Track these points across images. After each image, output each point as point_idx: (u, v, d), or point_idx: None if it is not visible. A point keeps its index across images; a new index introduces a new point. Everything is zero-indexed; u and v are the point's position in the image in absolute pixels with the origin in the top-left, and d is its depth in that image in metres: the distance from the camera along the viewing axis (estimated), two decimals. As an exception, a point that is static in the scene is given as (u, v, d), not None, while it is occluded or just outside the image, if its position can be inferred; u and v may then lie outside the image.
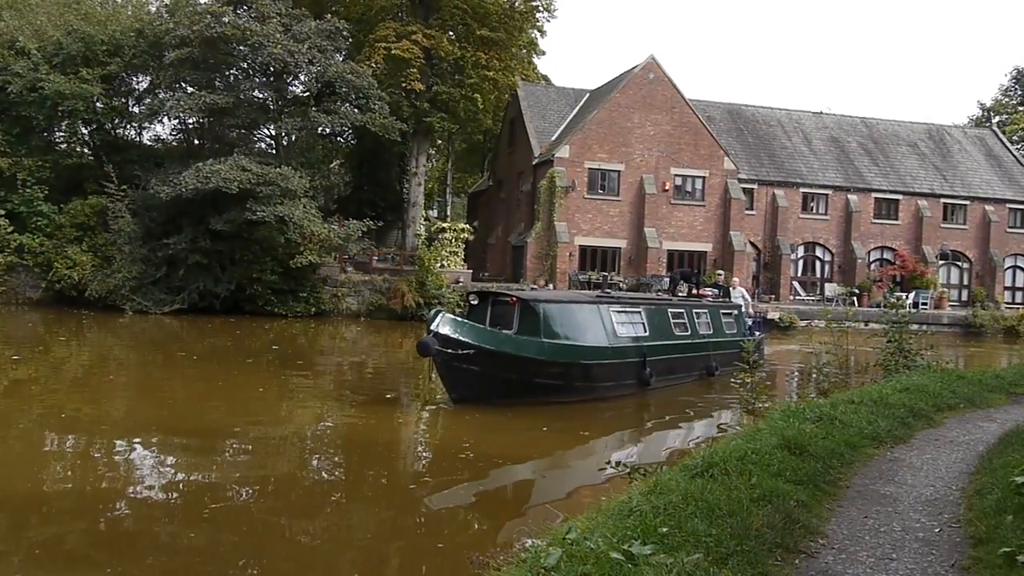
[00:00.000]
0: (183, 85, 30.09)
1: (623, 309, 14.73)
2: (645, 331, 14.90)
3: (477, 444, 10.55)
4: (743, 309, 19.47)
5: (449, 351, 11.57)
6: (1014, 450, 7.37)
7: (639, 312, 15.08)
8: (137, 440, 10.13)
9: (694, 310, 16.97)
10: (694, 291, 18.80)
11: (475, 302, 13.92)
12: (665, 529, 4.58)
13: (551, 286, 31.45)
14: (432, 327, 11.53)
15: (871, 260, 40.71)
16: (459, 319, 12.03)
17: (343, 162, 40.05)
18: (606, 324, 13.97)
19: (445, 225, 35.37)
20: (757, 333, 19.14)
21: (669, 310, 16.09)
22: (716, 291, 20.24)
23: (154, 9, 34.12)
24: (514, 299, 13.24)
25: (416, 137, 36.27)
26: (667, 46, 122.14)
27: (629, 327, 14.61)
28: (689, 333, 16.40)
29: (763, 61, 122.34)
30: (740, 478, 5.77)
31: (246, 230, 27.06)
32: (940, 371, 12.87)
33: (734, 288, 20.56)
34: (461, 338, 11.64)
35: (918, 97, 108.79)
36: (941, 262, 41.34)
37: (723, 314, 18.07)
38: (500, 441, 10.98)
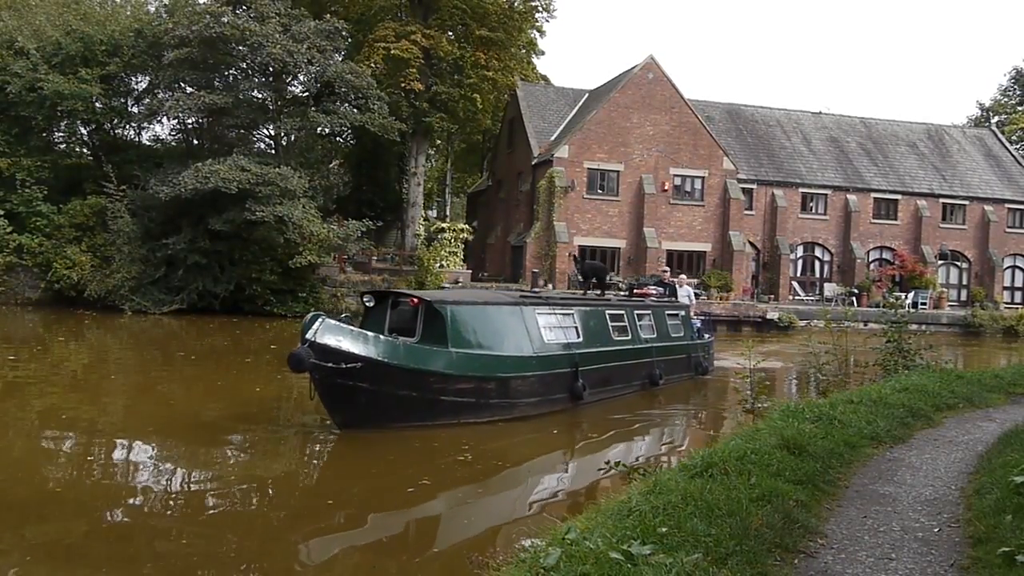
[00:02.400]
0: (182, 85, 30.09)
1: (552, 311, 12.82)
2: (578, 336, 13.03)
3: (339, 484, 8.57)
4: (690, 309, 17.76)
5: (330, 365, 9.51)
6: (1013, 450, 7.38)
7: (571, 314, 13.20)
8: (136, 440, 10.13)
9: (635, 311, 15.11)
10: (601, 289, 16.35)
11: (371, 304, 11.84)
12: (664, 529, 4.58)
13: (550, 287, 31.46)
14: (308, 336, 9.47)
15: (870, 260, 40.74)
16: (344, 325, 9.99)
17: (342, 162, 40.04)
18: (530, 329, 12.01)
19: (444, 225, 35.39)
20: (706, 336, 17.91)
21: (607, 312, 14.25)
22: (660, 290, 18.11)
23: (153, 9, 34.12)
24: (416, 300, 11.28)
25: (415, 137, 36.29)
26: (666, 46, 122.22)
27: (559, 332, 12.68)
28: (630, 338, 14.51)
29: (762, 61, 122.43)
30: (739, 478, 5.77)
31: (245, 230, 27.05)
32: (939, 371, 12.88)
33: (681, 286, 18.59)
34: (346, 349, 9.63)
35: (917, 97, 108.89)
36: (940, 262, 41.38)
37: (668, 315, 16.31)
38: (356, 474, 8.92)
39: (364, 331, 10.20)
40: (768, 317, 32.44)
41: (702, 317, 18.40)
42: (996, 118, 57.77)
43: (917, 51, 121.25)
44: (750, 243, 38.01)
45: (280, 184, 26.49)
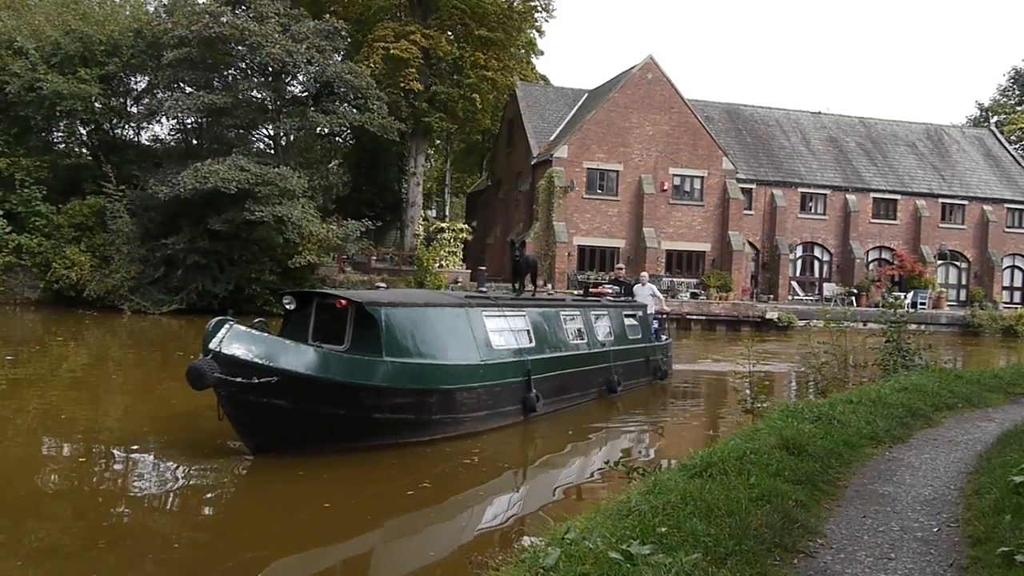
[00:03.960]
0: (181, 85, 30.10)
1: (501, 313, 11.58)
2: (530, 341, 11.84)
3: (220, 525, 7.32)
4: (651, 309, 16.55)
5: (239, 380, 8.17)
6: (1012, 450, 7.38)
7: (522, 317, 11.99)
8: (135, 441, 10.12)
9: (591, 313, 14.03)
10: (528, 286, 14.53)
11: (291, 307, 10.32)
12: (664, 529, 4.58)
13: (549, 287, 31.45)
14: (212, 345, 8.17)
15: (869, 260, 40.76)
16: (257, 332, 8.62)
17: (341, 162, 40.04)
18: (477, 334, 10.79)
19: (444, 225, 35.39)
20: (663, 337, 16.90)
21: (561, 313, 13.11)
22: (616, 289, 16.85)
23: (152, 9, 34.12)
24: (344, 302, 9.80)
25: (414, 137, 36.30)
26: (666, 46, 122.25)
27: (509, 336, 11.48)
28: (586, 341, 13.41)
29: (762, 61, 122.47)
30: (739, 478, 5.77)
31: (244, 230, 27.05)
32: (938, 371, 12.88)
33: (643, 284, 17.35)
34: (259, 360, 8.31)
35: (916, 97, 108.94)
36: (939, 262, 41.40)
37: (626, 316, 15.25)
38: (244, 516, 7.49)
39: (281, 339, 8.95)
40: (767, 317, 32.45)
41: (658, 317, 17.23)
42: (995, 118, 57.78)
43: (917, 51, 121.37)
44: (749, 243, 38.03)
45: (279, 184, 26.50)
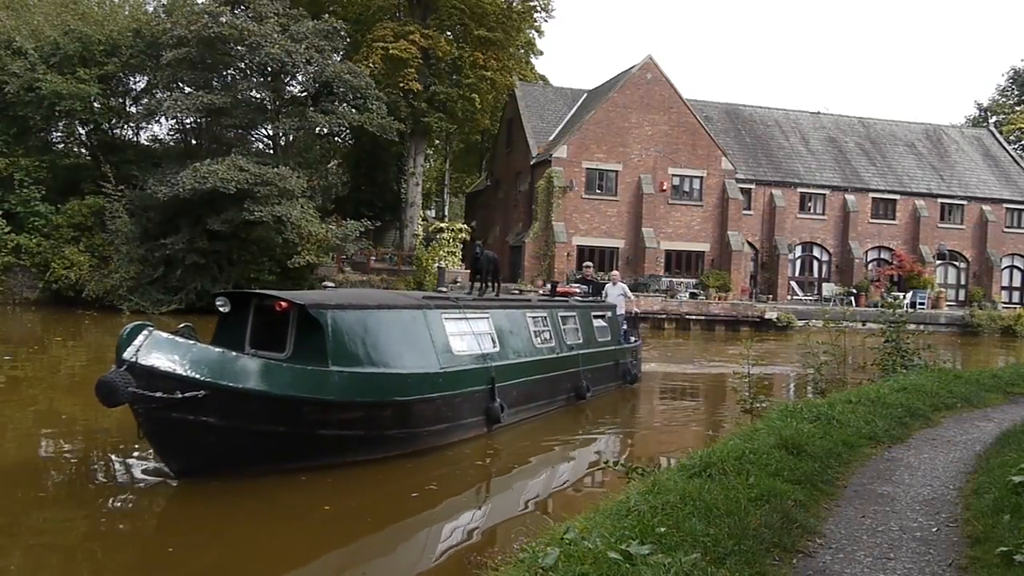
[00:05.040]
0: (180, 85, 30.12)
1: (462, 315, 10.62)
2: (494, 345, 10.93)
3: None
4: (620, 310, 15.75)
5: (160, 395, 7.18)
6: (1011, 449, 7.39)
7: (485, 319, 11.08)
8: (134, 441, 10.10)
9: (560, 314, 13.15)
10: (490, 284, 13.51)
11: (225, 309, 9.18)
12: (663, 529, 4.58)
13: (548, 287, 31.45)
14: (126, 356, 7.13)
15: (868, 260, 40.79)
16: (181, 340, 7.61)
17: (341, 162, 40.06)
18: (436, 338, 9.80)
19: (443, 225, 35.39)
20: (632, 339, 15.97)
21: (527, 315, 12.20)
22: (585, 288, 16.05)
23: (151, 9, 34.18)
24: (284, 304, 8.71)
25: (414, 137, 36.31)
26: (665, 46, 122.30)
27: (471, 340, 10.50)
28: (554, 345, 12.56)
29: (761, 61, 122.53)
30: (738, 478, 5.77)
31: (243, 230, 27.05)
32: (937, 371, 12.88)
33: (614, 284, 16.51)
34: (182, 372, 7.33)
35: (915, 97, 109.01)
36: (938, 262, 41.43)
37: (595, 317, 14.41)
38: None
39: (210, 347, 7.87)
40: (766, 317, 32.47)
41: (627, 315, 16.31)
42: (994, 118, 57.83)
43: (916, 51, 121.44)
44: (748, 243, 38.05)
45: (278, 184, 26.50)
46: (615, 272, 18.50)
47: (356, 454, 8.60)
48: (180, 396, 7.24)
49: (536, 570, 3.98)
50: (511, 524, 7.30)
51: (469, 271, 13.44)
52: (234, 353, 7.91)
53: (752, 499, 5.33)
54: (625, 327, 15.74)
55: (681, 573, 3.90)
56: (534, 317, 12.31)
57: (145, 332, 7.30)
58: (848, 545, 5.03)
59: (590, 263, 19.97)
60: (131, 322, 7.62)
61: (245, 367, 7.76)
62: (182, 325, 8.33)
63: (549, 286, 16.06)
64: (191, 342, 7.65)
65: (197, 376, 7.36)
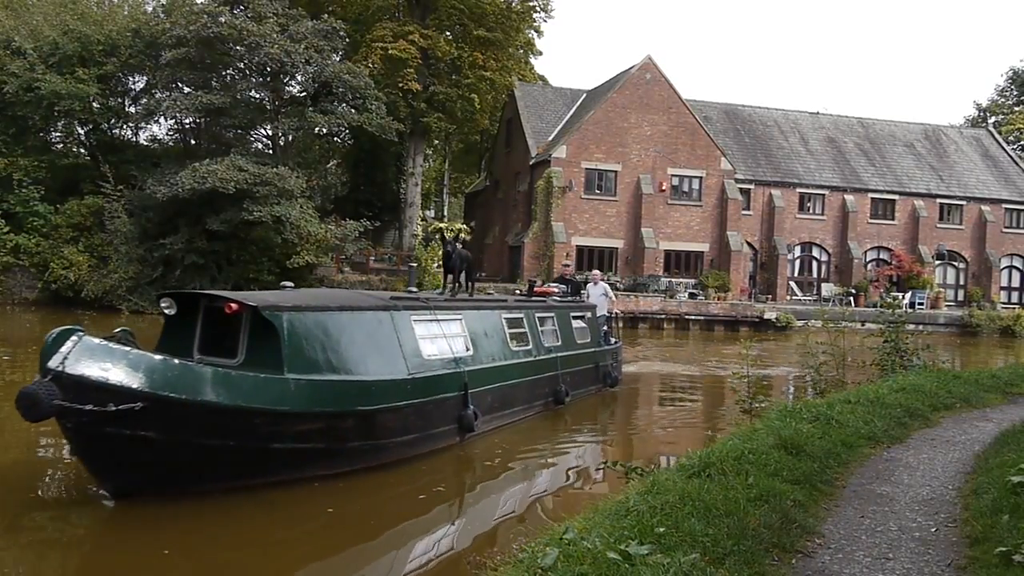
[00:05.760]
0: (180, 85, 30.11)
1: (433, 317, 9.97)
2: (468, 348, 10.31)
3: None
4: (602, 310, 15.23)
5: (91, 408, 6.48)
6: (1010, 450, 7.39)
7: (458, 321, 10.45)
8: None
9: (537, 315, 12.60)
10: (463, 283, 12.48)
11: (171, 311, 8.52)
12: (662, 529, 4.58)
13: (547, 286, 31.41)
14: (52, 364, 6.50)
15: (867, 260, 40.80)
16: (115, 346, 6.90)
17: (340, 162, 40.08)
18: (404, 342, 9.15)
19: (442, 225, 35.40)
20: (612, 340, 15.50)
21: (503, 316, 11.64)
22: (564, 287, 15.41)
23: (151, 9, 34.15)
24: (235, 305, 7.98)
25: (413, 137, 36.32)
26: (664, 46, 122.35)
27: (442, 344, 9.85)
28: (531, 347, 11.99)
29: (760, 61, 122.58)
30: (737, 478, 5.77)
31: (243, 230, 27.05)
32: (936, 371, 12.89)
33: (595, 283, 15.99)
34: (117, 382, 6.64)
35: (914, 97, 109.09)
36: (937, 262, 41.45)
37: (574, 318, 13.85)
38: None
39: (148, 354, 7.12)
40: (766, 317, 32.47)
41: (606, 315, 15.60)
42: (993, 118, 57.86)
43: (915, 51, 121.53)
44: (748, 243, 38.05)
45: (277, 184, 26.50)
46: (595, 272, 18.02)
47: (316, 469, 7.97)
48: (114, 409, 6.53)
49: (535, 570, 3.98)
50: (510, 524, 7.30)
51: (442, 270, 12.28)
52: (176, 360, 7.22)
53: (751, 499, 5.33)
54: (605, 328, 15.27)
55: (680, 573, 3.90)
56: (510, 318, 11.76)
57: (74, 338, 6.62)
58: (847, 545, 5.03)
59: (569, 262, 19.44)
60: (126, 323, 7.57)
61: (188, 375, 7.09)
62: (119, 329, 7.60)
63: (527, 285, 15.46)
64: (127, 348, 6.95)
65: (134, 386, 6.67)
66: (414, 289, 11.16)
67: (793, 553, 4.78)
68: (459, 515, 7.84)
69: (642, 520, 4.76)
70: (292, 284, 9.96)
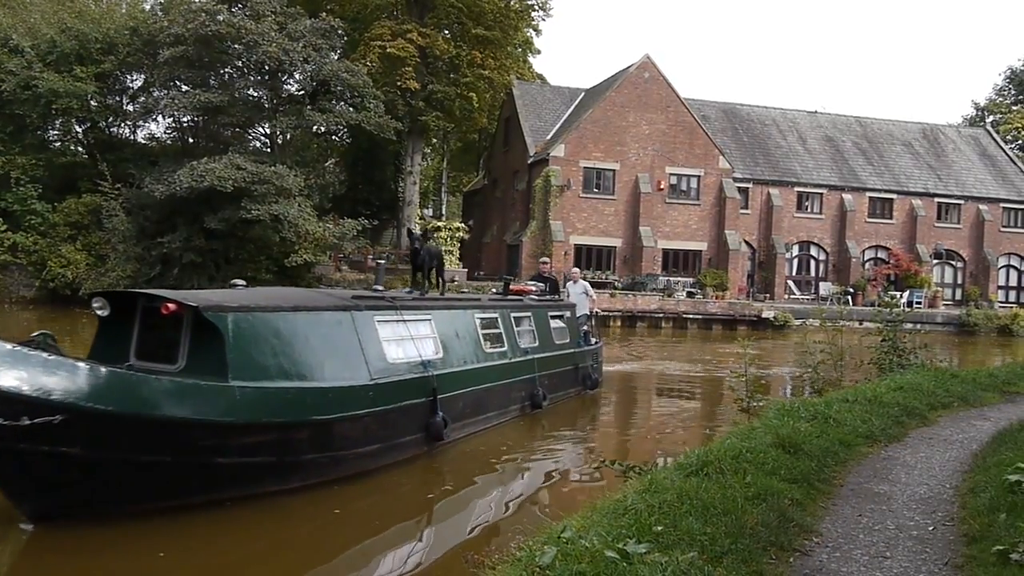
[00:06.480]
0: (178, 83, 30.06)
1: (399, 317, 9.25)
2: (437, 351, 9.64)
3: None
4: (583, 309, 14.69)
5: (2, 422, 5.76)
6: (1008, 448, 7.40)
7: (427, 321, 9.77)
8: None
9: (513, 314, 11.95)
10: (432, 278, 11.65)
11: (104, 313, 7.70)
12: (660, 527, 4.58)
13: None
14: None
15: (865, 259, 40.85)
16: (33, 353, 6.14)
17: (338, 161, 40.03)
18: (366, 345, 8.46)
19: (440, 224, 35.40)
20: (593, 340, 14.86)
21: (476, 316, 10.97)
22: (541, 286, 14.66)
23: (148, 7, 34.10)
24: (175, 306, 7.25)
25: (411, 136, 36.28)
26: (663, 45, 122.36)
27: (409, 346, 9.16)
28: (506, 349, 11.36)
29: (758, 60, 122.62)
30: (735, 476, 5.77)
31: (241, 229, 27.01)
32: (934, 370, 12.88)
33: (575, 282, 15.47)
34: (34, 392, 5.89)
35: (913, 96, 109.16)
36: (935, 261, 41.52)
37: (552, 318, 13.20)
38: None
39: (70, 360, 6.28)
40: (763, 316, 32.51)
41: (586, 315, 15.00)
42: (991, 117, 57.93)
43: (913, 51, 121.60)
44: (746, 242, 38.08)
45: (276, 183, 26.46)
46: (575, 269, 17.46)
47: (266, 484, 7.26)
48: (28, 423, 5.77)
49: (533, 569, 3.98)
50: (509, 524, 7.31)
51: (411, 266, 11.61)
52: (104, 367, 6.36)
53: (749, 498, 5.33)
54: (585, 328, 14.66)
55: (678, 571, 3.90)
56: (483, 319, 11.09)
57: None
58: (845, 544, 5.03)
59: (547, 259, 19.32)
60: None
61: (117, 384, 6.29)
62: (37, 332, 6.79)
63: (502, 283, 14.79)
64: (44, 354, 6.13)
65: (52, 397, 5.89)
66: (380, 288, 10.16)
67: (791, 551, 4.78)
68: (441, 520, 7.83)
69: (640, 519, 4.76)
70: (244, 283, 9.14)
